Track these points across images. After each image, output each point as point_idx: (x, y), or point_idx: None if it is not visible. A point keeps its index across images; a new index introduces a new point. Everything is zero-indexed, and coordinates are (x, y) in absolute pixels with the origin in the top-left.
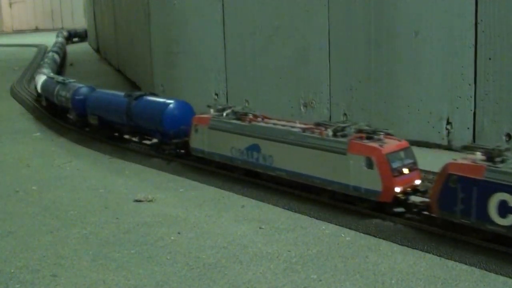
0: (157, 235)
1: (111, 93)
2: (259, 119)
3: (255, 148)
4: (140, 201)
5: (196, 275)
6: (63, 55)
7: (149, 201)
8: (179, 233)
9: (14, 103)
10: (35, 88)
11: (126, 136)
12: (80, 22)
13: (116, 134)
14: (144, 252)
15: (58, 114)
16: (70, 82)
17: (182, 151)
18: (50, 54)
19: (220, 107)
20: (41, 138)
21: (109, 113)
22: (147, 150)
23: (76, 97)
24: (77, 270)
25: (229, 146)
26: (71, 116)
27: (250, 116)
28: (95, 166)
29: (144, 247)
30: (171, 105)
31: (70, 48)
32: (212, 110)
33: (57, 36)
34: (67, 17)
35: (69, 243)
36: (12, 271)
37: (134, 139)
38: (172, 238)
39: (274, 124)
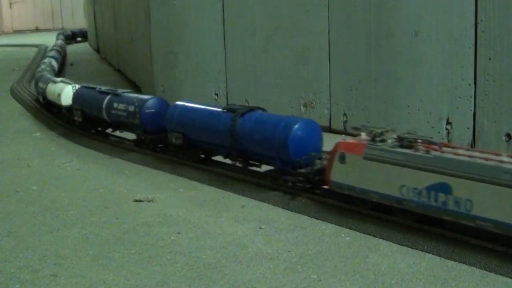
0: (157, 235)
1: (203, 107)
2: (437, 146)
3: (442, 188)
4: (140, 201)
5: (196, 275)
6: (62, 59)
7: (149, 201)
8: (179, 233)
9: (14, 103)
10: (44, 98)
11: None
12: (80, 22)
13: (203, 156)
14: (144, 252)
15: (102, 131)
16: (125, 92)
17: (309, 184)
18: (47, 60)
19: (374, 130)
20: (41, 138)
21: (202, 132)
22: (147, 150)
23: (147, 111)
24: (77, 270)
25: (398, 184)
26: (136, 134)
27: (423, 143)
28: (95, 166)
29: (144, 247)
30: (297, 126)
31: (70, 48)
32: (363, 134)
33: (57, 38)
34: (67, 17)
35: (69, 243)
36: (12, 271)
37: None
38: (172, 238)
39: (470, 156)
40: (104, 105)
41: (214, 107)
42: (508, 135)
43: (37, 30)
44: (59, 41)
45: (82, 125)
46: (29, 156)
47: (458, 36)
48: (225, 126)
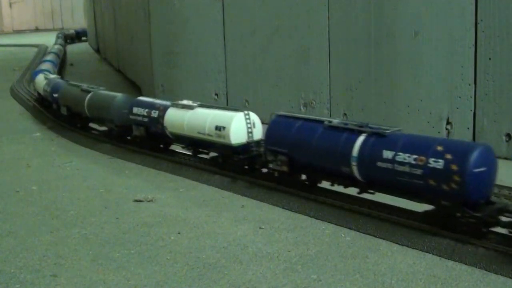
0: (157, 235)
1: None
2: None
3: None
4: (140, 201)
5: (196, 275)
6: (61, 64)
7: (149, 201)
8: (179, 233)
9: (14, 103)
10: (59, 105)
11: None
12: (80, 22)
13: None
14: (144, 252)
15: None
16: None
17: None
18: (45, 65)
19: None
20: (41, 138)
21: (316, 154)
22: (147, 150)
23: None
24: (77, 270)
25: None
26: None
27: None
28: (95, 166)
29: (144, 247)
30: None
31: (70, 48)
32: None
33: (55, 42)
34: (67, 17)
35: (69, 243)
36: (12, 271)
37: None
38: (172, 238)
39: None
40: None
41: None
42: (508, 135)
43: (37, 30)
44: (57, 46)
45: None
46: (29, 156)
47: (458, 36)
48: (348, 149)
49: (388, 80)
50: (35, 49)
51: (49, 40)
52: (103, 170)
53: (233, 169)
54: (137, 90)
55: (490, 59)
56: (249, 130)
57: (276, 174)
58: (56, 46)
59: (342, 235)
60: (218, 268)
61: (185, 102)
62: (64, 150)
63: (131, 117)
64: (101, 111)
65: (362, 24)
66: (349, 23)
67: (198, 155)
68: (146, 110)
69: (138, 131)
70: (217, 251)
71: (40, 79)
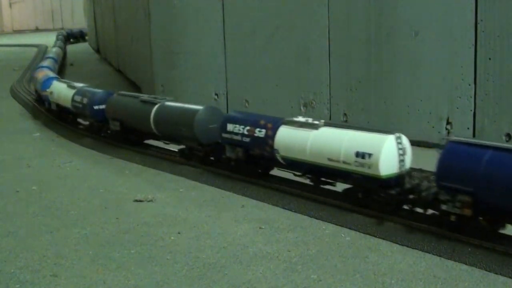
0: (157, 235)
1: None
2: None
3: None
4: (140, 201)
5: (196, 275)
6: (62, 60)
7: (149, 201)
8: (179, 233)
9: (14, 103)
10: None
11: None
12: (80, 22)
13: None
14: (144, 252)
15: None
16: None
17: None
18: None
19: None
20: (41, 138)
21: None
22: (147, 150)
23: None
24: (77, 270)
25: None
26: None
27: None
28: (95, 166)
29: (144, 247)
30: None
31: (70, 48)
32: None
33: (55, 44)
34: (67, 17)
35: (69, 243)
36: (12, 271)
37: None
38: (172, 238)
39: None
40: None
41: None
42: (508, 135)
43: (37, 30)
44: (55, 49)
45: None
46: (29, 156)
47: (458, 36)
48: None
49: (388, 80)
50: (35, 49)
51: (49, 40)
52: (103, 170)
53: (379, 207)
54: (137, 90)
55: (490, 59)
56: (401, 157)
57: (452, 218)
58: (54, 49)
59: (342, 235)
60: (218, 268)
61: (300, 119)
62: (64, 150)
63: (224, 135)
64: (178, 128)
65: (362, 24)
66: (349, 23)
67: (321, 186)
68: (248, 127)
69: (233, 153)
70: (217, 251)
71: (61, 88)
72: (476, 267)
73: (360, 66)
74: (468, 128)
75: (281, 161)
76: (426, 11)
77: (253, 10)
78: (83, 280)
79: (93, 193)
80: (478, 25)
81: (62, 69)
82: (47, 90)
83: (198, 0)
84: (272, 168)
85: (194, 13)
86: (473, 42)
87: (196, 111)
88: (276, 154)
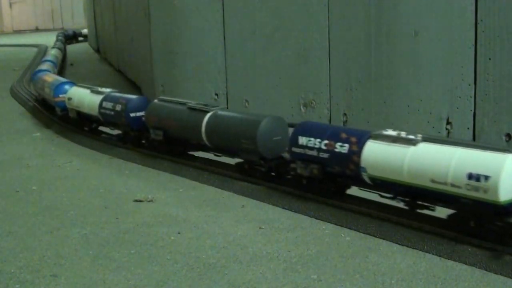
0: (157, 235)
1: None
2: None
3: None
4: (140, 201)
5: (196, 275)
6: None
7: (149, 201)
8: (179, 233)
9: (14, 103)
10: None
11: None
12: (80, 22)
13: None
14: (144, 252)
15: None
16: None
17: None
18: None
19: None
20: (41, 138)
21: None
22: (147, 150)
23: None
24: (77, 270)
25: None
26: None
27: None
28: (95, 166)
29: (144, 247)
30: None
31: (70, 48)
32: None
33: (54, 46)
34: (67, 17)
35: (69, 243)
36: (12, 271)
37: None
38: (172, 238)
39: None
40: None
41: None
42: (508, 135)
43: (37, 30)
44: (54, 51)
45: None
46: (29, 156)
47: (458, 36)
48: None
49: (388, 80)
50: (35, 49)
51: (49, 40)
52: (103, 170)
53: (495, 238)
54: (137, 90)
55: (490, 59)
56: None
57: None
58: (52, 52)
59: (342, 235)
60: (218, 268)
61: (391, 132)
62: (64, 150)
63: (295, 149)
64: (237, 140)
65: (362, 24)
66: (349, 23)
67: (417, 210)
68: (325, 141)
69: (306, 170)
70: (217, 251)
71: (83, 94)
72: (476, 267)
73: (360, 66)
74: (468, 128)
75: (368, 181)
76: (426, 11)
77: (253, 10)
78: (83, 280)
79: (93, 193)
80: (478, 25)
81: (62, 69)
82: (63, 96)
83: (198, 0)
84: (347, 188)
85: (194, 13)
86: (473, 42)
87: (258, 122)
88: (363, 173)
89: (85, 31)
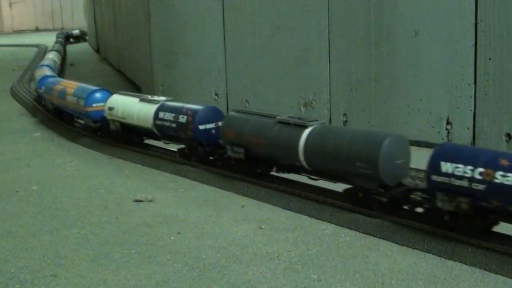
0: (157, 235)
1: None
2: None
3: None
4: (140, 201)
5: (196, 275)
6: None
7: (149, 201)
8: (179, 233)
9: (14, 103)
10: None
11: None
12: (80, 22)
13: None
14: (144, 252)
15: None
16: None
17: None
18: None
19: None
20: (41, 138)
21: None
22: (147, 150)
23: None
24: (77, 270)
25: None
26: None
27: None
28: (95, 166)
29: (144, 247)
30: None
31: (70, 48)
32: None
33: (53, 47)
34: (67, 17)
35: (69, 243)
36: (12, 271)
37: None
38: (172, 238)
39: None
40: None
41: None
42: (508, 135)
43: (37, 30)
44: (52, 54)
45: None
46: (29, 156)
47: (458, 36)
48: None
49: (388, 80)
50: (35, 49)
51: (49, 40)
52: (103, 170)
53: None
54: (137, 90)
55: (490, 59)
56: None
57: None
58: (50, 56)
59: (342, 235)
60: (218, 268)
61: None
62: (64, 150)
63: (437, 178)
64: (346, 162)
65: (362, 24)
66: (349, 23)
67: None
68: (480, 169)
69: (451, 204)
70: (217, 251)
71: (129, 103)
72: (476, 267)
73: (360, 66)
74: (468, 128)
75: None
76: (426, 11)
77: (253, 10)
78: (83, 280)
79: (93, 193)
80: (478, 25)
81: (61, 70)
82: (98, 105)
83: (198, 0)
84: (497, 224)
85: (194, 13)
86: (473, 42)
87: (379, 142)
88: None
89: (76, 31)
